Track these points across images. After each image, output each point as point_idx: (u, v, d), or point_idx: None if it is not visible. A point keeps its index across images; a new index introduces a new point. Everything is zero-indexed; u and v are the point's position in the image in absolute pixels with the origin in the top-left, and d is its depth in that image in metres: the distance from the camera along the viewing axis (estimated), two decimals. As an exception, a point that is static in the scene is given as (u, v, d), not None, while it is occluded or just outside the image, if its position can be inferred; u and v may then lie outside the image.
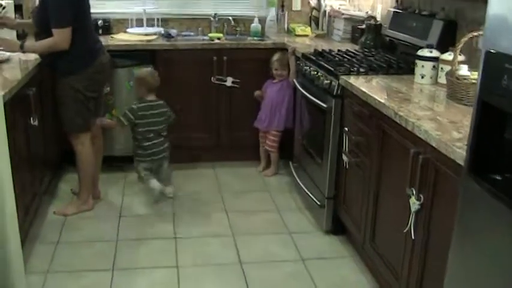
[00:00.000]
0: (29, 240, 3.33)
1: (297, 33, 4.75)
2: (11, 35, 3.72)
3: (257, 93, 4.40)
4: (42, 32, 3.41)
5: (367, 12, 4.36)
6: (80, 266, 3.13)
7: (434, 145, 2.18)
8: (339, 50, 3.88)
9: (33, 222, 3.50)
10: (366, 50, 3.92)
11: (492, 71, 1.69)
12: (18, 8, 4.06)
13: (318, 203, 3.53)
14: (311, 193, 3.67)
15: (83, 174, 3.74)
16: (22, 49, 3.43)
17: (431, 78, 3.05)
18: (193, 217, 3.73)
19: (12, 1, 3.96)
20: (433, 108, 2.59)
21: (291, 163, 4.21)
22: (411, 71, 3.19)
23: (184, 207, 3.86)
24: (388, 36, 3.87)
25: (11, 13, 3.87)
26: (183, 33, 4.75)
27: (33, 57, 3.56)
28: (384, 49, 3.89)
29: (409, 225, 2.42)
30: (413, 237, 2.41)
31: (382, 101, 2.68)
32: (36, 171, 3.50)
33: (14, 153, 2.86)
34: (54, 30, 3.34)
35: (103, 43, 3.77)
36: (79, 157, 3.69)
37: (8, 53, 3.50)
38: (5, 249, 2.45)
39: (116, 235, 3.47)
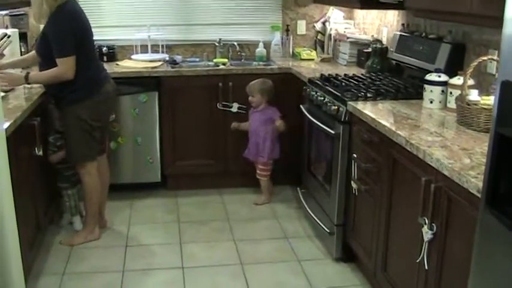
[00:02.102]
0: (34, 272, 3.29)
1: (302, 57, 4.74)
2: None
3: (233, 125, 4.38)
4: (46, 61, 3.41)
5: (372, 36, 4.34)
6: (86, 298, 3.09)
7: (446, 174, 2.14)
8: (345, 75, 3.86)
9: (38, 253, 3.46)
10: (372, 74, 3.90)
11: (509, 102, 1.64)
12: (22, 36, 4.06)
13: (327, 230, 3.49)
14: (320, 220, 3.63)
15: (90, 204, 3.71)
16: (27, 81, 3.43)
17: (440, 102, 3.02)
18: (201, 246, 3.69)
19: (17, 30, 3.97)
20: (443, 135, 2.55)
21: (298, 189, 4.17)
22: (419, 95, 3.17)
23: (191, 236, 3.83)
24: (394, 59, 3.85)
25: (15, 42, 3.87)
26: (188, 59, 4.76)
27: (38, 86, 3.57)
28: (391, 73, 3.86)
29: (421, 254, 2.38)
30: (426, 267, 2.37)
31: (393, 128, 2.65)
32: (41, 202, 3.48)
33: (17, 184, 2.85)
34: (58, 60, 3.33)
35: (108, 70, 3.78)
36: (86, 187, 3.67)
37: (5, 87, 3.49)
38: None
39: (122, 265, 3.42)
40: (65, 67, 3.34)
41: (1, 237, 2.26)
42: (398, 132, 2.58)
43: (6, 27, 4.03)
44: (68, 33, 3.32)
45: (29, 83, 3.46)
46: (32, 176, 3.28)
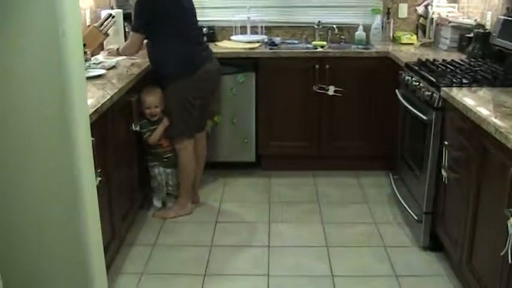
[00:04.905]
0: (128, 242, 3.45)
1: (402, 41, 4.60)
2: (119, 44, 3.85)
3: None
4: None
5: (475, 20, 4.14)
6: (173, 269, 3.18)
7: (534, 165, 2.02)
8: (443, 60, 3.71)
9: (133, 225, 3.62)
10: (472, 60, 3.72)
11: None
12: (127, 16, 4.20)
13: (416, 217, 3.39)
14: (409, 207, 3.54)
15: (184, 180, 3.81)
16: (118, 52, 3.71)
17: (541, 92, 2.84)
18: (289, 226, 3.70)
19: (121, 10, 4.12)
20: (538, 125, 2.40)
21: (391, 175, 4.07)
22: (520, 83, 2.99)
23: (280, 216, 3.85)
24: (497, 45, 3.66)
25: (119, 21, 4.02)
26: (287, 41, 4.75)
27: (138, 64, 3.71)
28: (492, 59, 3.67)
29: (506, 248, 2.26)
30: (510, 261, 2.25)
31: (483, 115, 2.52)
32: (136, 177, 3.60)
33: (114, 156, 3.01)
34: (130, 34, 3.61)
35: (208, 50, 3.85)
36: (181, 162, 3.76)
37: (115, 60, 3.67)
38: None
39: (210, 241, 3.50)
40: (129, 42, 3.61)
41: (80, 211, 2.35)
42: (488, 119, 2.45)
43: (112, 8, 4.20)
44: (143, 11, 3.47)
45: (120, 54, 3.72)
46: (128, 150, 3.41)
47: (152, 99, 3.63)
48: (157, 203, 3.89)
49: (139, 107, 3.58)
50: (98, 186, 2.47)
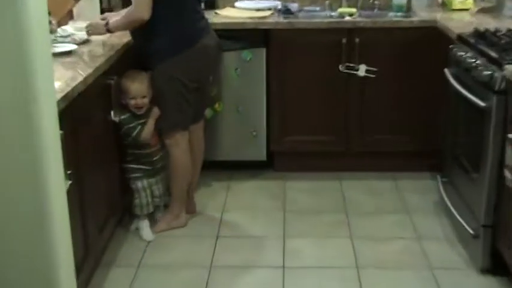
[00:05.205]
0: (105, 262, 3.44)
1: (453, 7, 4.56)
2: (94, 11, 3.84)
3: None
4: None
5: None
6: (163, 297, 3.20)
7: None
8: (508, 30, 3.68)
9: (111, 239, 3.61)
10: (545, 30, 3.70)
11: None
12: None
13: (472, 232, 3.37)
14: (463, 218, 3.52)
15: (176, 184, 3.80)
16: (107, 27, 3.57)
17: None
18: (309, 242, 3.70)
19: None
20: None
21: (438, 177, 4.06)
22: None
23: (298, 229, 3.84)
24: None
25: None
26: (306, 8, 4.74)
27: (118, 41, 3.69)
28: None
29: None
30: None
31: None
32: (116, 177, 3.62)
33: (87, 153, 3.03)
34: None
35: (206, 21, 3.85)
36: (173, 162, 3.76)
37: (88, 35, 3.66)
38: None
39: (210, 260, 3.50)
40: (137, 4, 3.42)
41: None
42: None
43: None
44: None
45: (109, 31, 3.59)
46: (107, 146, 3.41)
47: (138, 88, 3.58)
48: (143, 227, 3.79)
49: (122, 97, 3.56)
50: (68, 191, 2.44)
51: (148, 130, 3.61)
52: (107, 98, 3.37)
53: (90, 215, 3.08)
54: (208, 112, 4.23)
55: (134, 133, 3.58)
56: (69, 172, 2.50)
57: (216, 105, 4.36)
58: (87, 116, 3.01)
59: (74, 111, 2.77)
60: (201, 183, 4.21)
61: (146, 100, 3.61)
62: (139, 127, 3.59)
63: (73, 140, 2.76)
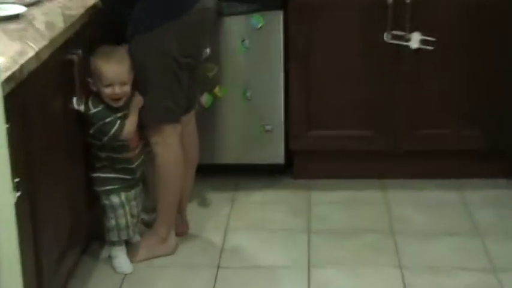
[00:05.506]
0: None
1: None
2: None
3: None
4: None
5: None
6: None
7: None
8: None
9: (73, 275, 3.57)
10: None
11: None
12: None
13: None
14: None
15: (164, 196, 3.79)
16: None
17: None
18: (342, 272, 3.68)
19: None
20: None
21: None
22: None
23: (327, 255, 3.83)
24: None
25: None
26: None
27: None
28: None
29: None
30: None
31: None
32: (80, 186, 3.58)
33: (45, 152, 3.00)
34: None
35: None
36: (160, 167, 3.74)
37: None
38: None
39: (209, 300, 3.49)
40: None
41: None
42: None
43: None
44: None
45: None
46: (67, 144, 3.35)
47: (115, 71, 3.49)
48: (117, 255, 3.75)
49: (92, 82, 3.51)
50: (15, 205, 2.38)
51: (131, 126, 3.56)
52: (68, 80, 3.31)
53: (46, 239, 3.02)
54: (206, 99, 4.29)
55: (112, 131, 3.49)
56: (16, 180, 2.43)
57: (217, 90, 4.36)
58: (42, 105, 2.95)
59: (24, 97, 2.71)
60: (196, 195, 4.25)
61: (127, 88, 3.52)
62: (119, 122, 3.52)
63: (22, 136, 2.70)
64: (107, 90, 3.47)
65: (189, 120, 3.93)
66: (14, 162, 2.32)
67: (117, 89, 3.47)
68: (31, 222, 2.85)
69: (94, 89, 3.49)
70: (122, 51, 3.55)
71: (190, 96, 3.83)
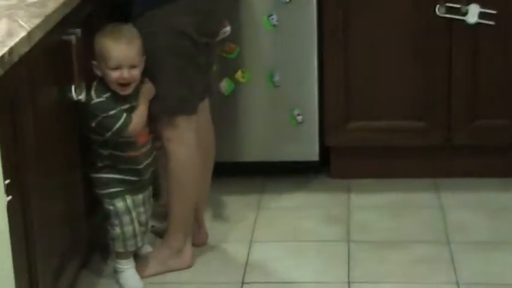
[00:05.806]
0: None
1: None
2: None
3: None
4: None
5: None
6: None
7: None
8: None
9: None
10: None
11: None
12: None
13: None
14: None
15: (178, 201, 3.81)
16: None
17: None
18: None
19: None
20: None
21: None
22: None
23: (370, 270, 3.85)
24: None
25: None
26: None
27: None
28: None
29: None
30: None
31: None
32: (79, 189, 3.60)
33: (39, 150, 3.00)
34: None
35: None
36: (174, 168, 3.75)
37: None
38: None
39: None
40: None
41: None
42: None
43: None
44: None
45: None
46: (64, 140, 3.39)
47: (125, 52, 3.49)
48: (124, 269, 3.77)
49: (95, 65, 3.53)
50: (6, 211, 2.43)
51: (139, 120, 3.57)
52: (65, 65, 3.34)
53: (41, 250, 3.02)
54: (226, 85, 4.30)
55: (117, 125, 3.50)
56: (7, 182, 2.49)
57: (238, 74, 4.39)
58: (34, 94, 2.96)
59: (14, 85, 2.71)
60: (215, 200, 4.27)
61: (136, 72, 3.51)
62: (125, 116, 3.53)
63: (13, 131, 2.71)
64: (114, 74, 3.46)
65: (203, 110, 3.90)
66: (3, 162, 2.36)
67: (126, 73, 3.46)
68: (23, 230, 2.82)
69: (98, 73, 3.50)
70: (133, 30, 3.54)
71: (205, 81, 3.84)
